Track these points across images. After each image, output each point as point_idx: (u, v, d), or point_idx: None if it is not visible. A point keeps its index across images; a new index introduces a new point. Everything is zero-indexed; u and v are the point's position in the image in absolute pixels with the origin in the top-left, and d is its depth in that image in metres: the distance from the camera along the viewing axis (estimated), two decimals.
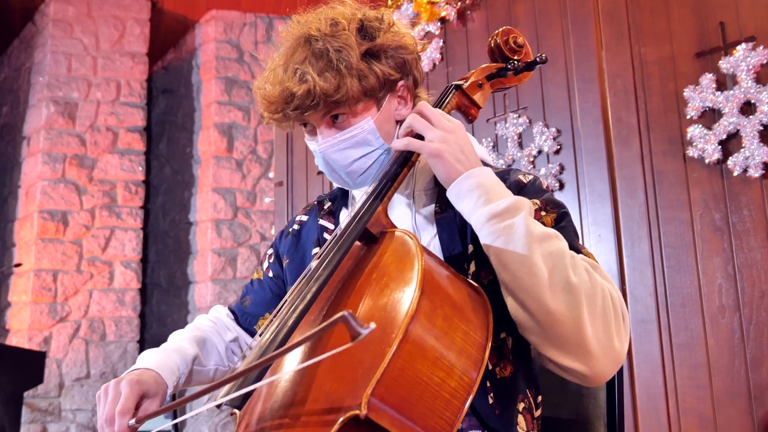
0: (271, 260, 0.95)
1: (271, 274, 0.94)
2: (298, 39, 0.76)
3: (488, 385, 0.71)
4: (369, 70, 0.76)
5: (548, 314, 0.67)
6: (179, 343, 0.86)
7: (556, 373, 0.72)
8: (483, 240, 0.70)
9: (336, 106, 0.76)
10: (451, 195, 0.72)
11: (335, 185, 0.93)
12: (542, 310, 0.67)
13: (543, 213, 0.77)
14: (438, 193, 0.81)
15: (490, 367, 0.72)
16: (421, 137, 0.75)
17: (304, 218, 0.94)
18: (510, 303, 0.70)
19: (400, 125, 0.82)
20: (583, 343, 0.66)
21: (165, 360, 0.80)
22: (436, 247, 0.79)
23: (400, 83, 0.81)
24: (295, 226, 0.94)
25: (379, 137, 0.79)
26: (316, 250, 0.87)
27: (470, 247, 0.77)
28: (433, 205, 0.82)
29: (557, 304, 0.66)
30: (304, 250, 0.89)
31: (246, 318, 0.95)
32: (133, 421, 0.69)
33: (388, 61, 0.78)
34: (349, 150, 0.78)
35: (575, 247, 0.73)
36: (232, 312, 0.97)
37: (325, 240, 0.85)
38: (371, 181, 0.80)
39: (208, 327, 0.92)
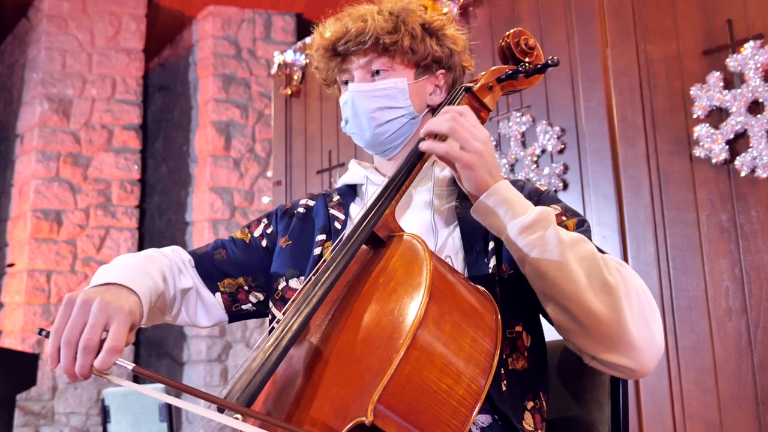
0: (268, 231, 0.90)
1: (264, 243, 0.89)
2: (369, 6, 0.85)
3: (502, 372, 0.73)
4: (421, 37, 0.83)
5: (592, 316, 0.69)
6: (149, 271, 0.73)
7: (600, 370, 0.73)
8: (517, 253, 0.72)
9: (383, 52, 0.81)
10: (477, 212, 0.73)
11: (340, 183, 0.93)
12: (585, 312, 0.69)
13: (564, 218, 0.79)
14: (459, 189, 0.83)
15: (504, 357, 0.73)
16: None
17: (311, 203, 0.92)
18: (551, 310, 0.72)
19: (430, 111, 0.86)
20: (629, 339, 0.69)
21: (145, 289, 0.69)
22: (456, 243, 0.79)
23: (441, 71, 0.86)
24: (301, 209, 0.91)
25: (408, 99, 0.84)
26: (321, 236, 0.85)
27: (491, 243, 0.78)
28: (454, 201, 0.83)
29: (599, 305, 0.68)
30: (311, 234, 0.87)
31: (211, 269, 0.85)
32: (131, 367, 0.58)
33: (440, 44, 0.85)
34: (378, 98, 0.83)
35: (599, 250, 0.75)
36: (195, 259, 0.86)
37: (335, 229, 0.85)
38: (386, 142, 0.84)
39: (165, 264, 0.79)
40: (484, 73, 0.85)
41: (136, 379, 3.32)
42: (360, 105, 0.82)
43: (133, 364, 0.58)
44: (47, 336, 0.62)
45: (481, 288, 0.68)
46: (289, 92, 2.68)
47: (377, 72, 0.82)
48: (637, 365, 0.70)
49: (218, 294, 0.86)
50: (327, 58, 0.84)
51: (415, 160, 0.76)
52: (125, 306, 0.63)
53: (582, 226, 0.78)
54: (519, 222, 0.70)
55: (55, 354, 0.61)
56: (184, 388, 0.57)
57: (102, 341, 0.60)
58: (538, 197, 0.81)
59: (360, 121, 0.83)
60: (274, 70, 2.75)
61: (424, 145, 0.73)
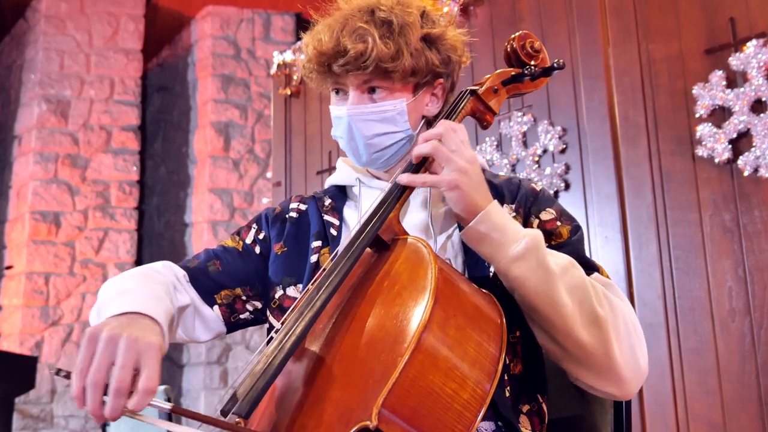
0: (260, 236, 0.87)
1: (258, 250, 0.86)
2: (362, 6, 0.78)
3: (506, 378, 0.72)
4: (422, 52, 0.78)
5: (579, 347, 0.70)
6: (160, 294, 0.69)
7: (585, 389, 0.74)
8: (508, 284, 0.72)
9: (382, 75, 0.77)
10: (468, 238, 0.72)
11: (326, 184, 0.91)
12: (573, 343, 0.70)
13: (558, 223, 0.78)
14: None
15: (507, 361, 0.73)
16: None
17: (303, 207, 0.89)
18: (539, 336, 0.73)
19: (425, 122, 0.84)
20: (615, 368, 0.70)
21: (165, 316, 0.66)
22: (455, 246, 0.79)
23: (440, 80, 0.83)
24: (293, 214, 0.88)
25: (407, 121, 0.81)
26: (317, 243, 0.83)
27: None
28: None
29: (587, 337, 0.69)
30: (306, 241, 0.85)
31: (207, 283, 0.82)
32: (168, 407, 0.53)
33: (439, 54, 0.80)
34: (376, 123, 0.79)
35: (590, 263, 0.76)
36: (189, 273, 0.83)
37: (331, 235, 0.84)
38: (383, 163, 0.83)
39: (162, 283, 0.75)
40: (489, 76, 0.84)
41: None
42: (357, 129, 0.79)
43: (171, 404, 0.55)
44: (66, 376, 0.58)
45: (486, 292, 0.68)
46: (289, 92, 2.67)
47: (373, 89, 0.78)
48: (621, 392, 0.72)
49: (216, 307, 0.83)
50: (321, 73, 0.79)
51: (420, 164, 0.75)
52: (155, 341, 0.59)
53: (576, 233, 0.78)
54: (509, 252, 0.69)
55: (81, 395, 0.57)
56: (218, 423, 0.54)
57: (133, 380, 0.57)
58: (534, 198, 0.80)
59: (357, 146, 0.80)
60: (273, 70, 2.74)
61: (404, 180, 0.71)
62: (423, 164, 0.75)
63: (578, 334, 0.68)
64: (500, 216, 0.70)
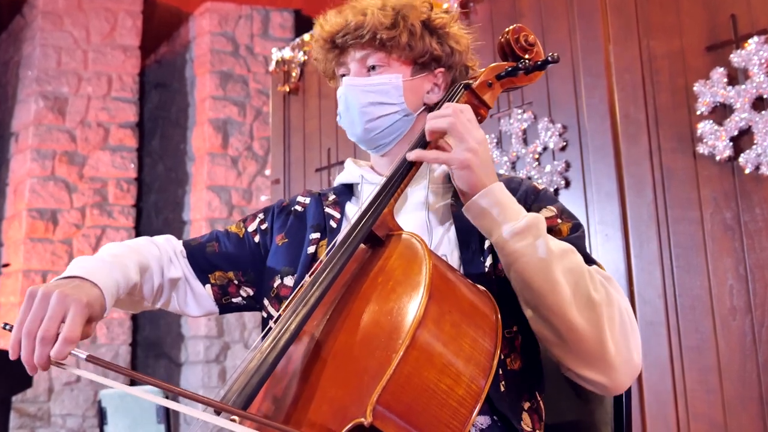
0: (262, 227, 0.90)
1: (257, 239, 0.89)
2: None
3: (500, 373, 0.73)
4: (421, 34, 0.82)
5: (572, 330, 0.69)
6: (125, 263, 0.76)
7: (576, 382, 0.73)
8: (504, 259, 0.72)
9: (380, 47, 0.81)
10: (470, 212, 0.73)
11: (334, 182, 0.92)
12: (566, 326, 0.69)
13: (559, 220, 0.78)
14: (453, 188, 0.81)
15: (502, 357, 0.73)
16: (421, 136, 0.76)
17: (306, 201, 0.91)
18: (532, 319, 0.72)
19: (426, 109, 0.85)
20: (606, 357, 0.69)
21: (111, 282, 0.71)
22: (451, 241, 0.79)
23: (440, 69, 0.85)
24: (298, 207, 0.91)
25: (401, 97, 0.82)
26: (315, 235, 0.85)
27: (487, 242, 0.77)
28: (449, 199, 0.82)
29: (580, 320, 0.68)
30: (304, 233, 0.87)
31: (202, 261, 0.86)
32: (84, 355, 0.59)
33: (440, 43, 0.84)
34: (371, 94, 0.82)
35: (590, 258, 0.76)
36: (187, 250, 0.87)
37: (330, 228, 0.85)
38: (378, 137, 0.84)
39: (153, 255, 0.82)
40: (483, 69, 0.84)
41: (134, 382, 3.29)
42: (352, 99, 0.82)
43: (87, 353, 0.59)
44: (10, 330, 0.64)
45: (481, 287, 0.67)
46: (287, 89, 2.66)
47: (373, 67, 0.82)
48: (612, 383, 0.71)
49: (208, 286, 0.87)
50: (325, 50, 0.85)
51: (426, 142, 0.75)
52: (83, 298, 0.64)
53: (576, 231, 0.78)
54: (510, 227, 0.69)
55: (16, 345, 0.62)
56: (143, 379, 0.58)
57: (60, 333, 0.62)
58: (535, 195, 0.81)
59: (352, 116, 0.83)
60: (272, 66, 2.72)
61: (412, 155, 0.72)
62: (428, 143, 0.76)
63: (571, 316, 0.68)
64: (503, 194, 0.71)
